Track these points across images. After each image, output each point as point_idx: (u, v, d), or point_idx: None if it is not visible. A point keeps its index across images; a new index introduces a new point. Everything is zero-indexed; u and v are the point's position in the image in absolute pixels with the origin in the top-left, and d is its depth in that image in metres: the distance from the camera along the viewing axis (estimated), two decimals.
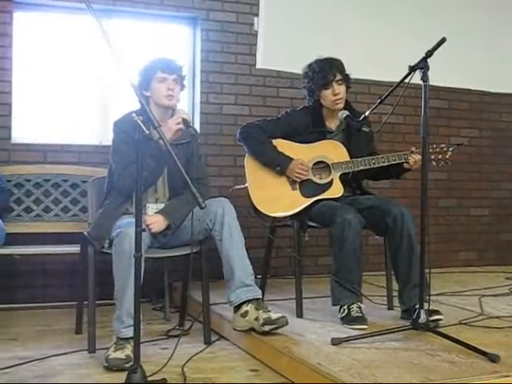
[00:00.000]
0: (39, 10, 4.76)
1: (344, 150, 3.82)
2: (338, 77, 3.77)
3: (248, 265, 3.42)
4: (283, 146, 3.84)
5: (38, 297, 4.51)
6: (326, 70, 3.76)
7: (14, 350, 3.38)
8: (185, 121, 3.39)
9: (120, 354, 3.03)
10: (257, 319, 3.25)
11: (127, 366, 2.89)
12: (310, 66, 3.86)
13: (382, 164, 3.75)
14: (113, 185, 3.53)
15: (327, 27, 5.32)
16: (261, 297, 3.40)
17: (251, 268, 3.43)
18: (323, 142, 3.85)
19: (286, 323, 3.21)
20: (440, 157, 3.77)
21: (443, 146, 3.78)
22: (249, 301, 3.34)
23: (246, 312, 3.32)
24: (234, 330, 3.41)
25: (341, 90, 3.78)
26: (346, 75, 3.82)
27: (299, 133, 3.85)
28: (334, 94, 3.77)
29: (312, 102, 3.89)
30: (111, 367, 3.01)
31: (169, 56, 3.66)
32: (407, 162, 3.70)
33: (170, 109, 3.56)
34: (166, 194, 3.59)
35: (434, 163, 3.74)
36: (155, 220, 3.41)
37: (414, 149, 3.71)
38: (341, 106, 3.80)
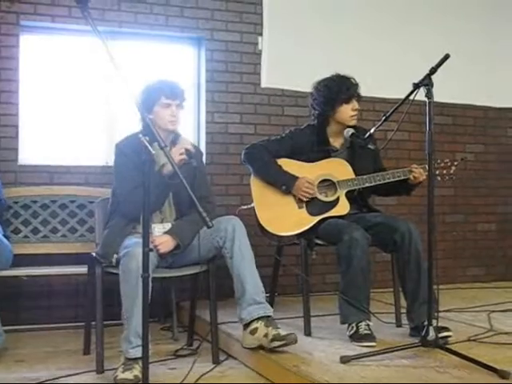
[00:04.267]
0: (45, 32, 4.80)
1: (349, 167, 3.82)
2: (357, 93, 3.81)
3: (259, 282, 3.42)
4: (288, 165, 3.85)
5: (45, 318, 4.50)
6: (348, 85, 3.79)
7: (22, 372, 3.37)
8: (188, 151, 3.39)
9: (128, 375, 3.03)
10: (266, 336, 3.25)
11: None
12: (329, 79, 3.84)
13: (387, 180, 3.76)
14: (117, 206, 3.53)
15: (331, 45, 5.35)
16: (272, 314, 3.39)
17: (262, 285, 3.43)
18: (328, 160, 3.86)
19: (295, 341, 3.20)
20: (444, 172, 3.80)
21: (447, 160, 3.81)
22: (259, 318, 3.34)
23: (256, 329, 3.31)
24: (244, 347, 3.40)
25: (358, 106, 3.82)
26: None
27: (303, 151, 3.86)
28: (353, 110, 3.79)
29: (320, 116, 3.87)
30: None
31: (171, 79, 3.65)
32: (412, 173, 3.71)
33: (172, 133, 3.58)
34: (173, 214, 3.60)
35: (439, 178, 3.76)
36: (163, 240, 3.41)
37: (414, 166, 3.73)
38: (355, 122, 3.83)
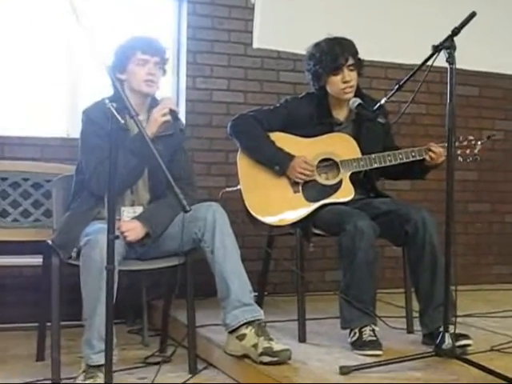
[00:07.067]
0: None
1: (354, 144, 3.83)
2: (350, 61, 3.78)
3: (246, 280, 3.42)
4: (283, 140, 3.85)
5: None
6: (337, 53, 3.76)
7: None
8: (172, 112, 3.38)
9: None
10: (255, 346, 3.24)
11: None
12: (317, 45, 3.85)
13: (399, 161, 3.76)
14: (82, 184, 3.53)
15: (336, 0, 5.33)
16: (262, 317, 3.40)
17: (249, 284, 3.43)
18: (330, 135, 3.86)
19: (289, 358, 3.20)
20: (468, 152, 3.80)
21: (471, 138, 3.81)
22: (248, 323, 3.34)
23: (244, 335, 3.31)
24: (226, 353, 3.41)
25: (352, 76, 3.79)
26: (359, 60, 3.83)
27: (301, 125, 3.86)
28: (344, 82, 3.77)
29: (316, 88, 3.90)
30: None
31: (150, 34, 3.66)
32: (430, 152, 3.71)
33: (148, 96, 3.57)
34: (147, 196, 3.60)
35: (461, 159, 3.78)
36: (132, 227, 3.41)
37: (432, 144, 3.72)
38: (350, 95, 3.81)
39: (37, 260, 3.79)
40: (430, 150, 3.72)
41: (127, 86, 3.53)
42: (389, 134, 4.02)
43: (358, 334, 3.42)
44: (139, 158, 3.37)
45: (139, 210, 3.53)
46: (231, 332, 3.37)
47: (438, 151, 3.70)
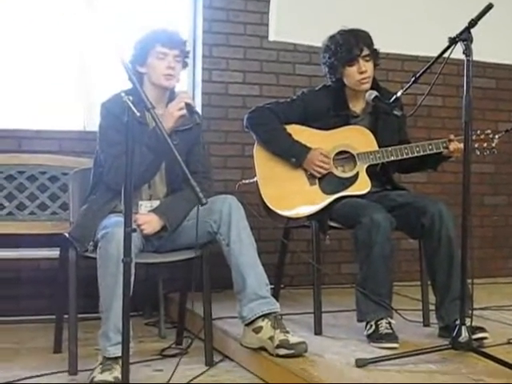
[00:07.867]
0: None
1: (371, 137, 3.82)
2: (365, 52, 3.77)
3: (262, 273, 3.41)
4: (299, 133, 3.84)
5: (10, 309, 4.53)
6: (352, 44, 3.75)
7: None
8: (188, 106, 3.37)
9: (107, 376, 3.04)
10: (271, 339, 3.23)
11: None
12: (332, 38, 3.85)
13: (416, 154, 3.75)
14: (100, 177, 3.53)
15: None
16: (279, 310, 3.39)
17: (266, 277, 3.43)
18: (346, 127, 3.85)
19: (305, 350, 3.19)
20: (485, 145, 3.79)
21: (489, 131, 3.80)
22: (265, 315, 3.34)
23: (260, 328, 3.31)
24: (242, 346, 3.42)
25: (368, 67, 3.78)
26: (375, 50, 3.83)
27: (318, 117, 3.85)
28: (360, 72, 3.77)
29: (333, 80, 3.89)
30: None
31: (171, 27, 3.65)
32: (447, 148, 3.70)
33: (167, 90, 3.57)
34: (164, 190, 3.60)
35: (478, 152, 3.76)
36: (148, 220, 3.41)
37: (452, 136, 3.71)
38: (367, 86, 3.80)
39: (54, 253, 3.81)
40: (450, 141, 3.70)
41: (147, 79, 3.53)
42: (403, 128, 4.01)
43: (374, 327, 3.41)
44: (156, 153, 3.36)
45: (156, 203, 3.53)
46: (247, 325, 3.37)
47: (458, 147, 3.67)
